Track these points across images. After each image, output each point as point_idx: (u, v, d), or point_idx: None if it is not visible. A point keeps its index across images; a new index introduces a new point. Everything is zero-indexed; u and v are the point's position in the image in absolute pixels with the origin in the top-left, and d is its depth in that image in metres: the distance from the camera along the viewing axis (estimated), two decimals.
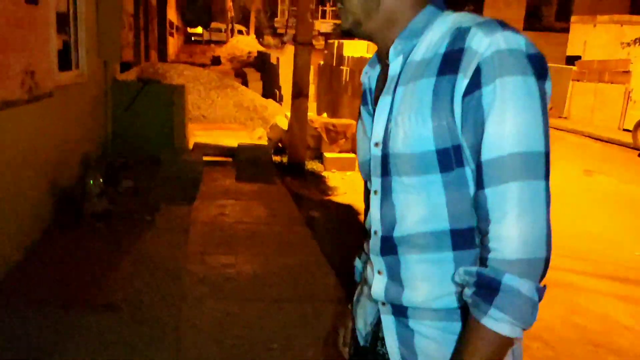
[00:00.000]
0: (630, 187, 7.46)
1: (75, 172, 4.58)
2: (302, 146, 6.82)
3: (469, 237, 0.91)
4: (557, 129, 12.83)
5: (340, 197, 5.98)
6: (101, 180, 4.40)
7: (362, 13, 0.97)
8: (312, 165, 7.23)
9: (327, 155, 7.26)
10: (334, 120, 7.95)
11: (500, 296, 0.81)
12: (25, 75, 3.36)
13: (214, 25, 36.05)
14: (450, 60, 0.87)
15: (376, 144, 0.97)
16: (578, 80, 14.00)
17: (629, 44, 14.30)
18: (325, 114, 9.58)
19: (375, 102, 1.00)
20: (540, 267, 0.83)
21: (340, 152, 7.46)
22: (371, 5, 0.96)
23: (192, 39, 35.10)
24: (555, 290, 3.87)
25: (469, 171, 0.89)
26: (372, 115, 1.01)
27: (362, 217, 1.15)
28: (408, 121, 0.90)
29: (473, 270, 0.85)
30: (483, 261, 0.85)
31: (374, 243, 1.00)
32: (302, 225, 4.56)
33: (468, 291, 0.85)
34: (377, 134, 0.96)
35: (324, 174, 6.98)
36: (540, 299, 0.83)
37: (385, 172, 0.96)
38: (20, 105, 3.31)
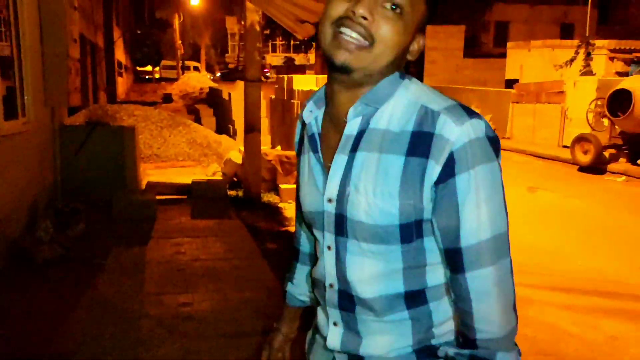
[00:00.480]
0: (572, 201, 7.88)
1: (24, 220, 4.48)
2: (257, 179, 6.89)
3: (421, 296, 0.97)
4: (502, 149, 13.42)
5: None
6: (50, 226, 4.33)
7: (382, 60, 0.92)
8: (268, 197, 7.30)
9: (282, 186, 7.34)
10: (288, 153, 8.08)
11: None
12: None
13: (166, 62, 35.96)
14: (419, 142, 0.90)
15: (329, 200, 0.98)
16: (518, 102, 14.75)
17: (561, 66, 15.32)
18: (279, 147, 9.71)
19: (322, 150, 1.01)
20: (516, 332, 0.94)
21: (295, 183, 7.57)
22: (393, 54, 0.92)
23: (147, 77, 34.82)
24: None
25: (427, 242, 0.95)
26: (321, 164, 1.01)
27: None
28: (372, 194, 0.92)
29: (465, 353, 0.93)
30: (469, 341, 0.93)
31: (331, 296, 1.03)
32: (260, 258, 4.60)
33: None
34: (331, 191, 0.97)
35: (280, 205, 7.05)
36: None
37: (341, 232, 0.98)
38: None
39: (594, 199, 8.08)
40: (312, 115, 1.03)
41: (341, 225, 0.97)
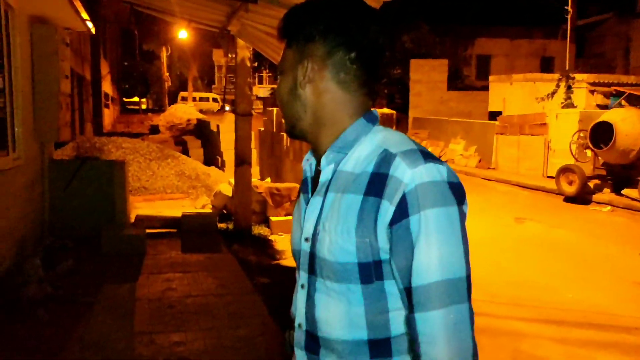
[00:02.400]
0: (559, 232, 7.97)
1: (12, 257, 4.40)
2: (248, 212, 6.87)
3: (386, 346, 0.97)
4: (488, 179, 13.60)
5: (288, 261, 6.02)
6: (39, 263, 4.25)
7: (294, 116, 1.06)
8: (259, 229, 7.26)
9: (273, 219, 7.32)
10: (278, 185, 8.10)
11: None
12: None
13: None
14: (376, 182, 0.95)
15: (306, 239, 1.04)
16: (502, 134, 15.02)
17: (543, 99, 15.68)
18: (269, 179, 9.73)
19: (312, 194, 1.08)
20: None
21: (286, 215, 7.55)
22: (300, 108, 1.05)
23: (138, 108, 34.76)
24: (499, 338, 4.04)
25: (388, 285, 0.96)
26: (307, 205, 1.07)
27: None
28: (334, 231, 0.97)
29: None
30: None
31: (299, 337, 1.05)
32: (252, 294, 4.55)
33: None
34: (308, 231, 1.04)
35: (271, 237, 7.02)
36: None
37: (313, 270, 1.02)
38: None
39: (580, 229, 8.18)
40: (308, 162, 1.12)
41: (313, 264, 1.02)
